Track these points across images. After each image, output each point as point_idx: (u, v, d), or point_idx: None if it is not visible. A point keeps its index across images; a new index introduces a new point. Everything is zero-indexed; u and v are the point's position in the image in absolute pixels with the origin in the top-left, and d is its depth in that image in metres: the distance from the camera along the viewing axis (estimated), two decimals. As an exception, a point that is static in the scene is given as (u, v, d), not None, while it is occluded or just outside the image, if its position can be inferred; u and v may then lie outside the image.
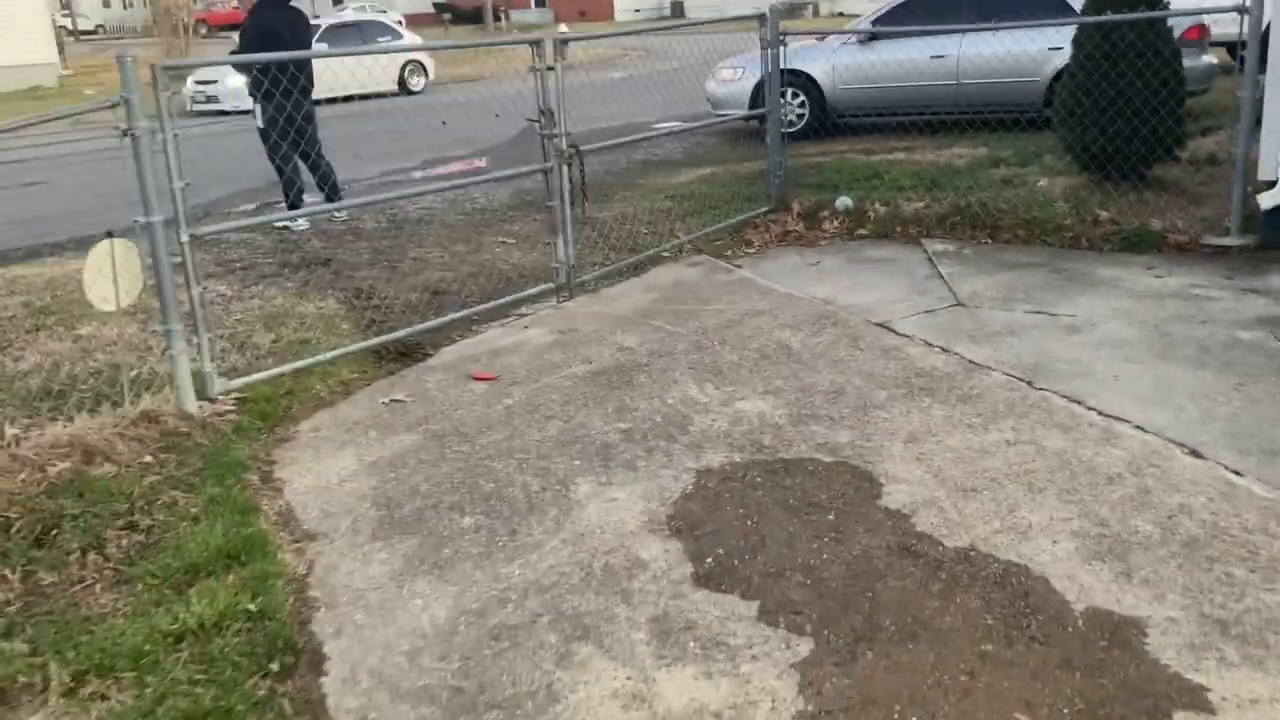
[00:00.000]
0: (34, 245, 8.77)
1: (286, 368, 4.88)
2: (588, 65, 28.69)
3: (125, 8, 79.54)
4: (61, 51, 38.67)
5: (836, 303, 5.84)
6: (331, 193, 8.76)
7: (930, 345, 5.06)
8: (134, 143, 4.17)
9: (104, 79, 29.09)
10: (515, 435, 4.31)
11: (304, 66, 8.52)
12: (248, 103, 17.75)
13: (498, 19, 54.02)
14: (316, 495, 3.90)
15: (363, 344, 5.25)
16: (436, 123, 15.54)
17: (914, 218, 7.37)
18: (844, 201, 7.71)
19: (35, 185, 12.20)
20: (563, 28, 29.45)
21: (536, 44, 5.79)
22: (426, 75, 21.20)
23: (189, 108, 18.65)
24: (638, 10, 58.83)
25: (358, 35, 20.15)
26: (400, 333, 5.37)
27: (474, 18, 56.03)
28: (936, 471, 3.77)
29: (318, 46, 19.25)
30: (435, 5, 62.95)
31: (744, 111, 12.11)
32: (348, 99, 19.34)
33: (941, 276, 6.23)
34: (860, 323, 5.47)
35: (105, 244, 4.22)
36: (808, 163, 9.79)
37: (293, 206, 8.48)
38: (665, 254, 7.09)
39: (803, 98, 11.96)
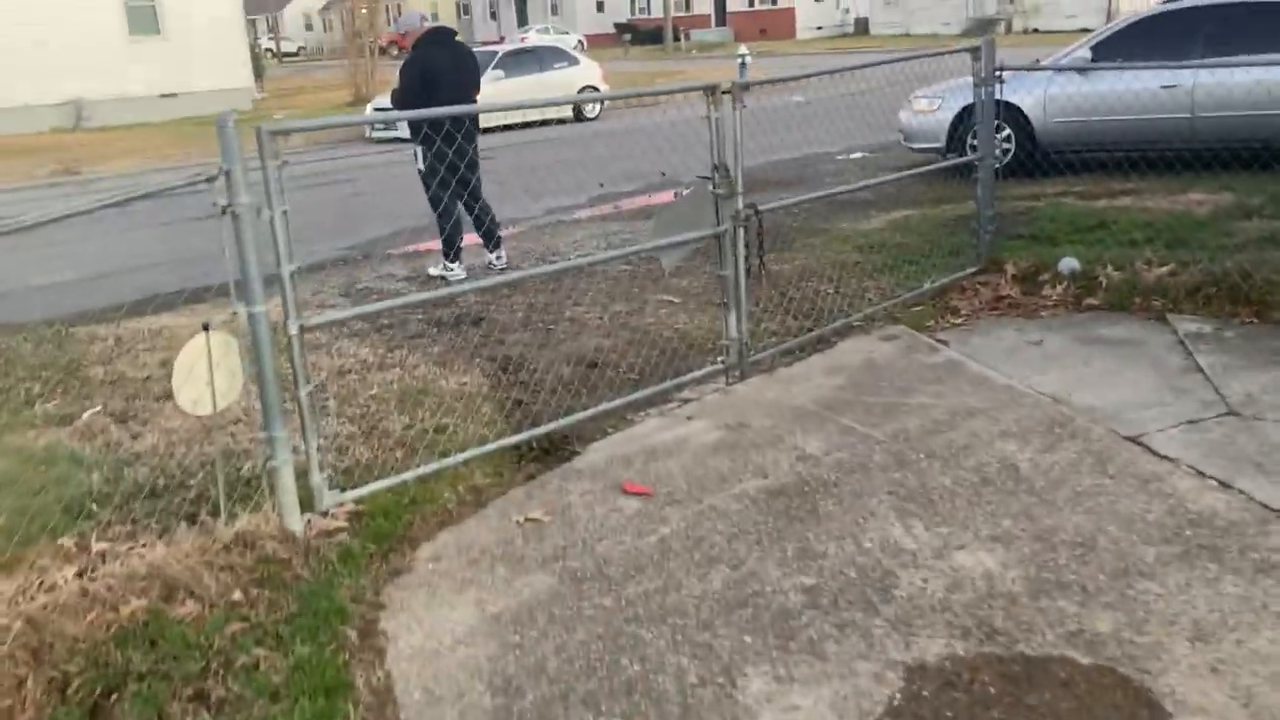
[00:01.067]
0: (196, 288, 8.51)
1: (410, 474, 4.19)
2: (765, 89, 27.72)
3: (325, 30, 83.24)
4: (261, 75, 40.45)
5: (1070, 403, 4.78)
6: (488, 240, 8.17)
7: (1203, 476, 3.96)
8: (234, 222, 3.54)
9: (296, 102, 30.02)
10: (670, 585, 3.47)
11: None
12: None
13: (677, 39, 53.75)
14: (423, 665, 3.15)
15: (501, 443, 4.51)
16: (609, 152, 14.99)
17: (1156, 286, 6.19)
18: (1069, 264, 6.57)
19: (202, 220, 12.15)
20: (743, 49, 28.67)
21: (711, 90, 4.96)
22: (602, 101, 20.75)
23: (367, 134, 18.71)
24: (819, 28, 57.60)
25: (534, 61, 19.88)
26: (545, 428, 4.62)
27: (654, 38, 55.98)
28: (1246, 696, 2.73)
29: (493, 74, 19.12)
30: (616, 26, 63.30)
31: (939, 146, 11.02)
32: (525, 125, 19.14)
33: (1201, 370, 5.07)
34: (1105, 435, 4.40)
35: (200, 339, 3.60)
36: (1017, 208, 8.64)
37: (450, 255, 7.92)
38: (855, 323, 6.14)
39: (1008, 131, 10.76)
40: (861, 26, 56.34)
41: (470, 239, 8.25)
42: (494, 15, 70.91)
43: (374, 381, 5.61)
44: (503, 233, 9.95)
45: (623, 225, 9.78)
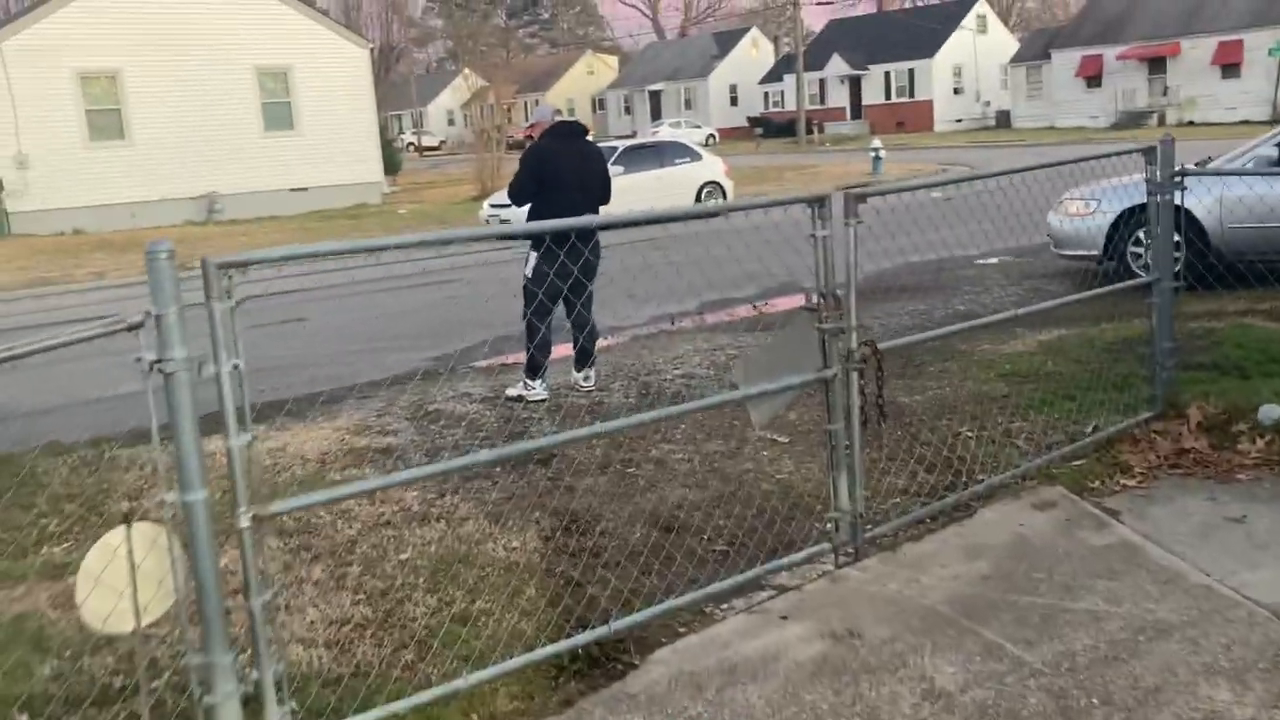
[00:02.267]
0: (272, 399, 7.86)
1: (405, 703, 3.21)
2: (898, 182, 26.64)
3: (466, 124, 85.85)
4: (398, 169, 41.34)
5: (1302, 623, 3.54)
6: (582, 359, 7.28)
7: None
8: (167, 384, 2.69)
9: (425, 195, 30.32)
10: None
11: (579, 214, 7.14)
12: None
13: (810, 132, 53.22)
14: None
15: (531, 657, 3.50)
16: (727, 253, 14.10)
17: (1395, 444, 4.87)
18: (1271, 412, 5.30)
19: (296, 322, 11.65)
20: (876, 142, 27.74)
21: (818, 203, 3.98)
22: (725, 196, 20.01)
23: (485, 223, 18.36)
24: (959, 120, 56.34)
25: (655, 156, 19.30)
26: (593, 633, 3.59)
27: (788, 131, 55.60)
28: None
29: (612, 169, 18.56)
30: (749, 119, 63.32)
31: (1094, 254, 9.76)
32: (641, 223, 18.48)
33: None
34: (1362, 685, 3.16)
35: (116, 534, 2.73)
36: (1193, 329, 7.36)
37: (533, 370, 7.05)
38: (1001, 481, 4.98)
39: (1177, 238, 9.45)
40: (1003, 119, 54.82)
41: (561, 349, 7.40)
42: (628, 110, 71.92)
43: (411, 541, 4.71)
44: (601, 343, 9.12)
45: (732, 338, 8.80)
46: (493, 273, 14.81)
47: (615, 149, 19.35)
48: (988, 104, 57.59)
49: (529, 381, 7.08)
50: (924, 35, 57.47)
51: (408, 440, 6.33)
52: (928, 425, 5.87)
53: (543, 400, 7.04)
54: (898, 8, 68.66)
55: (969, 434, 5.70)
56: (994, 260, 12.06)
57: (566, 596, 4.00)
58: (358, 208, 26.47)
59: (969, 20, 57.91)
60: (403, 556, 4.52)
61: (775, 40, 70.09)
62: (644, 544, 4.47)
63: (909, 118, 56.78)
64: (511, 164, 31.13)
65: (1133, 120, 45.89)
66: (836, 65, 60.00)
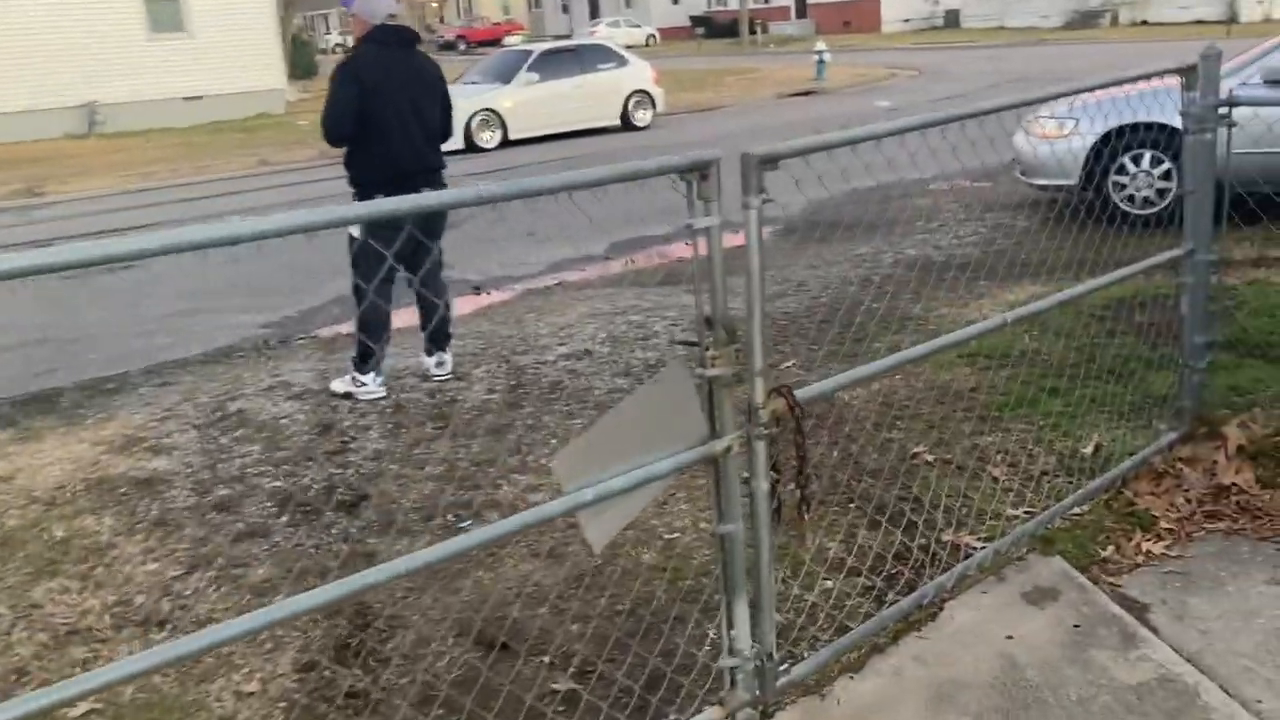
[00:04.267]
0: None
1: None
2: (846, 90, 24.94)
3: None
4: (310, 75, 38.56)
5: None
6: (434, 341, 5.63)
7: None
8: None
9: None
10: None
11: (418, 156, 5.44)
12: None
13: (754, 32, 50.91)
14: None
15: None
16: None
17: None
18: (1346, 437, 3.86)
19: (127, 269, 9.80)
20: (820, 45, 25.85)
21: (697, 174, 2.38)
22: (654, 107, 18.18)
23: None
24: (907, 20, 54.22)
25: (575, 62, 17.35)
26: None
27: (731, 31, 53.18)
28: None
29: (526, 76, 16.67)
30: (691, 19, 60.66)
31: (1070, 183, 8.25)
32: (560, 136, 16.66)
33: None
34: None
35: None
36: (1200, 289, 5.89)
37: (364, 359, 5.42)
38: (974, 547, 3.51)
39: (1166, 165, 7.97)
40: (952, 19, 52.80)
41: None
42: (566, 9, 68.75)
43: (106, 653, 3.14)
44: (485, 298, 7.49)
45: (639, 298, 7.20)
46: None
47: (529, 54, 17.38)
48: (936, 3, 55.43)
49: (358, 376, 5.44)
50: (872, -71, 54.89)
51: (181, 464, 4.71)
52: (871, 440, 4.37)
53: (378, 397, 5.43)
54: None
55: (928, 457, 4.23)
56: (949, 185, 10.49)
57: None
58: (258, 118, 24.18)
59: (918, -87, 55.37)
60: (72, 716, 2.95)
61: (719, -66, 66.89)
62: (456, 676, 2.95)
63: (855, 17, 54.48)
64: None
65: (1084, 20, 44.20)
66: (781, -39, 57.35)
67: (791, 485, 2.63)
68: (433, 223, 5.26)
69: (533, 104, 16.51)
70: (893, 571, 3.39)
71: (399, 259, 4.92)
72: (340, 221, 1.98)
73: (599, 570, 3.51)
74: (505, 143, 16.35)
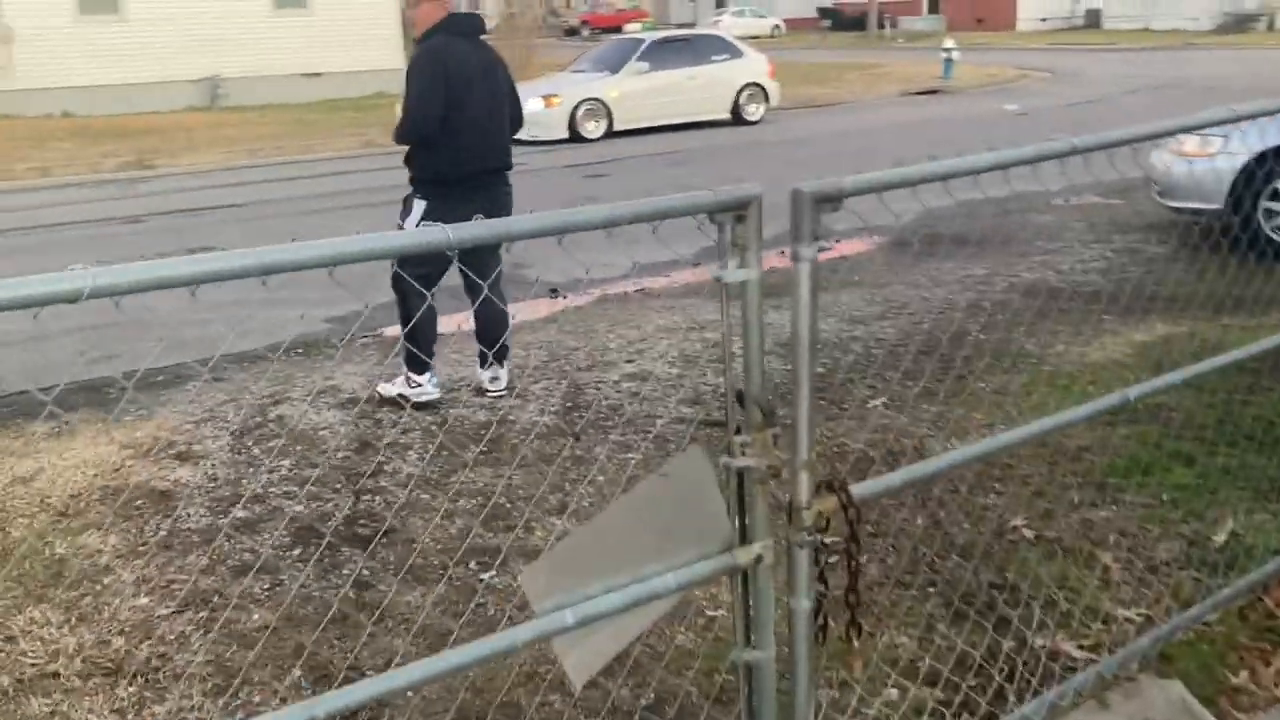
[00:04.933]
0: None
1: None
2: (973, 91, 23.79)
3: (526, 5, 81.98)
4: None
5: None
6: (490, 354, 5.20)
7: None
8: None
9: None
10: None
11: (490, 145, 5.07)
12: (547, 130, 14.66)
13: (883, 26, 49.55)
14: None
15: None
16: (758, 170, 11.81)
17: None
18: None
19: (198, 251, 9.64)
20: (949, 43, 24.79)
21: (732, 213, 1.88)
22: (767, 100, 17.53)
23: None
24: (1044, 19, 52.12)
25: (689, 52, 16.81)
26: None
27: (859, 24, 51.88)
28: None
29: (636, 66, 16.20)
30: (819, 10, 59.43)
31: (1215, 208, 7.41)
32: (669, 129, 16.13)
33: None
34: None
35: None
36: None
37: (414, 365, 5.04)
38: (1074, 657, 2.93)
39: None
40: (1093, 19, 50.53)
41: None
42: (691, -3, 68.03)
43: (66, 708, 2.80)
44: (560, 302, 7.09)
45: (720, 313, 6.68)
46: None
47: (640, 43, 16.91)
48: (1076, 1, 53.17)
49: (412, 376, 5.07)
50: (1013, -77, 52.86)
51: (205, 476, 4.39)
52: (966, 506, 3.80)
53: (434, 402, 5.05)
54: (986, -108, 63.29)
55: (1027, 532, 3.64)
56: (1079, 201, 9.68)
57: None
58: (374, 96, 24.24)
59: (1063, -92, 53.12)
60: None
61: (851, -75, 65.35)
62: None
63: (989, 14, 52.54)
64: (544, 52, 27.79)
65: (1238, 24, 41.76)
66: (915, -46, 55.69)
67: (845, 602, 2.11)
68: (500, 209, 4.91)
69: (640, 94, 16.04)
70: (972, 685, 2.83)
71: (451, 263, 4.63)
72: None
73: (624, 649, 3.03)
74: (610, 133, 15.93)
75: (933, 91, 22.47)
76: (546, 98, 15.43)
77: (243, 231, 10.11)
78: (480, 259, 4.63)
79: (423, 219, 4.96)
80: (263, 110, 22.29)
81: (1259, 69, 24.98)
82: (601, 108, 15.81)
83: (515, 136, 5.34)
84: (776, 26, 56.77)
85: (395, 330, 6.58)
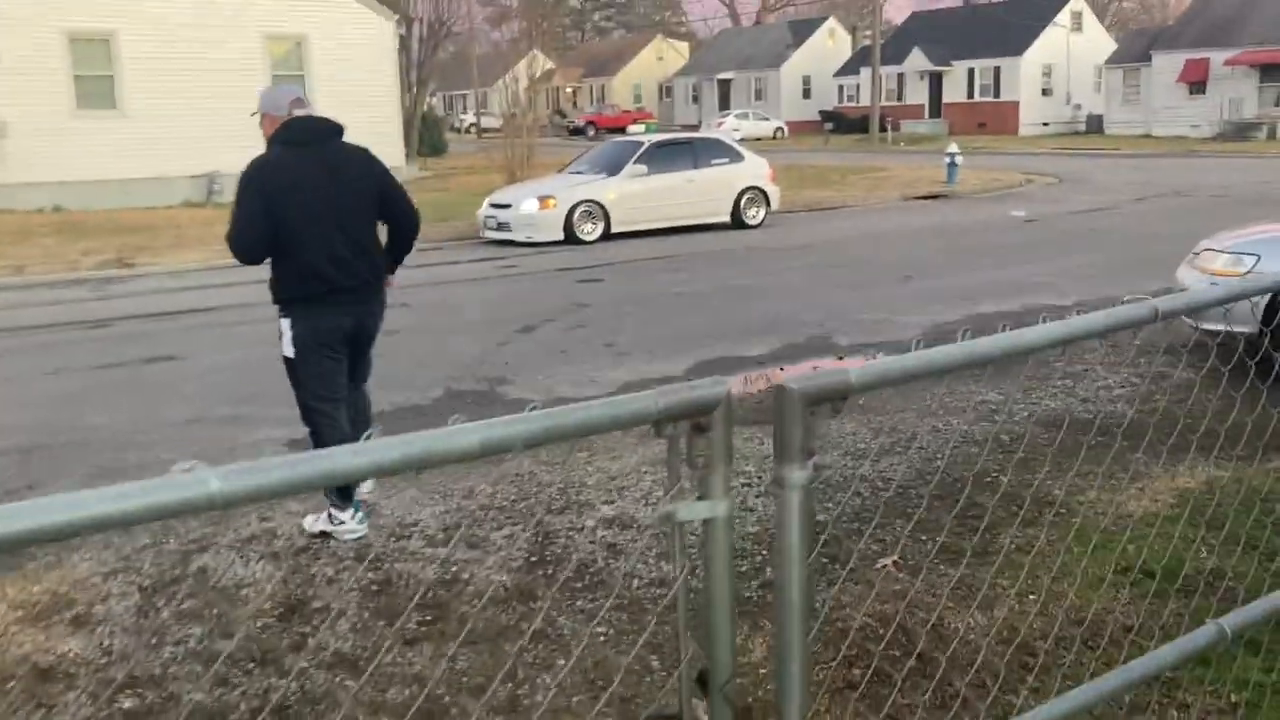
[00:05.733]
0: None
1: None
2: (977, 195, 23.47)
3: (529, 107, 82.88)
4: (440, 152, 39.11)
5: None
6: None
7: None
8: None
9: (450, 183, 27.90)
10: None
11: (342, 269, 4.57)
12: (543, 232, 14.50)
13: (884, 129, 49.88)
14: None
15: None
16: (758, 281, 11.31)
17: None
18: None
19: (160, 362, 9.10)
20: (952, 147, 24.63)
21: (688, 420, 1.32)
22: (768, 204, 17.15)
23: (480, 233, 15.67)
24: (1046, 124, 52.55)
25: (688, 155, 16.48)
26: None
27: (860, 127, 52.26)
28: None
29: (634, 169, 15.86)
30: (821, 113, 60.04)
31: (1246, 331, 6.84)
32: (668, 231, 15.73)
33: None
34: None
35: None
36: None
37: (341, 490, 4.44)
38: None
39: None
40: (1094, 124, 50.89)
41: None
42: (696, 99, 68.99)
43: None
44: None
45: (707, 444, 6.06)
46: (476, 291, 12.24)
47: (639, 145, 16.59)
48: (1078, 107, 53.61)
49: (335, 512, 4.49)
50: (1013, 31, 53.57)
51: (98, 649, 3.73)
52: (998, 709, 3.14)
53: (359, 536, 4.47)
54: (986, 1, 64.46)
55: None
56: (1099, 318, 9.12)
57: None
58: (373, 195, 24.00)
59: (1063, 17, 53.83)
60: None
61: (854, 31, 66.43)
62: None
63: (991, 119, 52.97)
64: (547, 151, 27.78)
65: (1239, 132, 41.91)
66: (917, 60, 56.31)
67: None
68: (367, 323, 4.74)
69: (639, 197, 15.66)
70: None
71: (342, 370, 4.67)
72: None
73: None
74: (607, 235, 15.51)
75: (936, 196, 22.17)
76: (543, 199, 15.04)
77: (208, 339, 9.58)
78: (360, 361, 4.82)
79: (294, 340, 4.53)
80: (258, 207, 21.98)
81: (1264, 176, 24.79)
82: (599, 209, 15.42)
83: (411, 242, 4.91)
84: (779, 129, 57.36)
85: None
